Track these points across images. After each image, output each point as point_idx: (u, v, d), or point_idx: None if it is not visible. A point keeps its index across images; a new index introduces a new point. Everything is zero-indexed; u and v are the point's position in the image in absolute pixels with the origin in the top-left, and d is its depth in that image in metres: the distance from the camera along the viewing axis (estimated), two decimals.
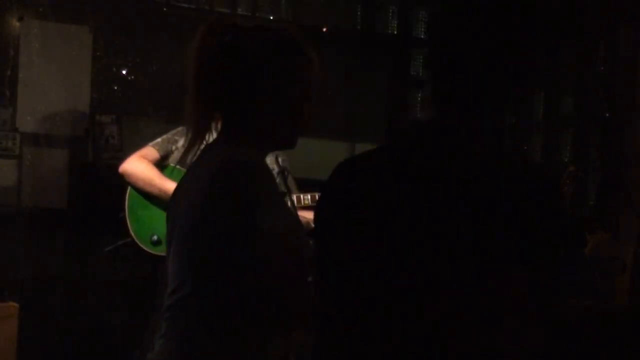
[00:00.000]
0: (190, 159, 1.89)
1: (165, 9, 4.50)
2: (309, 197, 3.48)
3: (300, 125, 1.93)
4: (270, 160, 3.56)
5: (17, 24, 4.18)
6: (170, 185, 3.46)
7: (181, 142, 3.59)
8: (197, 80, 1.81)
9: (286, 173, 3.23)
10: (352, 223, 1.43)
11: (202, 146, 1.90)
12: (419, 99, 5.02)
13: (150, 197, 3.49)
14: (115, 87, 4.41)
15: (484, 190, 1.30)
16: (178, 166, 3.56)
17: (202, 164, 1.83)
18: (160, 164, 3.53)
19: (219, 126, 1.95)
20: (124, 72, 4.42)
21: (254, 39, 1.81)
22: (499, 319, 1.29)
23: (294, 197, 3.23)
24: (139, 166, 3.48)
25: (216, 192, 1.70)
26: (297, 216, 2.27)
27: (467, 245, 1.29)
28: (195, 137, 1.90)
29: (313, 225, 3.18)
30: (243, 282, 1.68)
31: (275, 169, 3.43)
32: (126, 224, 3.46)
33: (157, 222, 3.47)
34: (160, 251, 3.46)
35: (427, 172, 1.36)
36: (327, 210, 1.52)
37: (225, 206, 1.68)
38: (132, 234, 3.45)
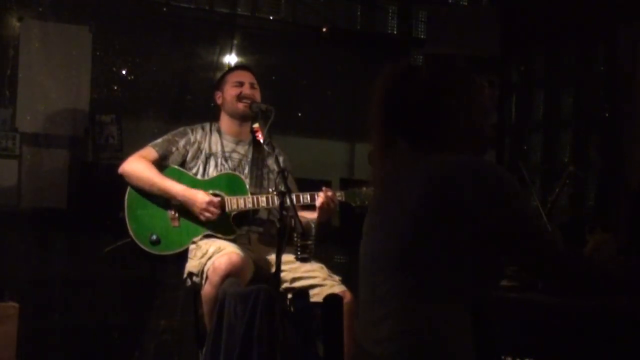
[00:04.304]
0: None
1: (165, 9, 4.51)
2: (309, 196, 3.48)
3: (485, 137, 2.08)
4: (270, 160, 3.57)
5: (17, 24, 4.19)
6: (170, 184, 3.46)
7: (182, 143, 3.59)
8: (384, 112, 2.15)
9: (286, 173, 3.23)
10: None
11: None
12: None
13: (150, 197, 3.49)
14: (115, 87, 4.41)
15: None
16: (178, 167, 3.57)
17: (410, 174, 1.98)
18: (160, 165, 3.53)
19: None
20: (124, 72, 4.42)
21: (435, 76, 2.06)
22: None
23: (294, 197, 3.23)
24: (139, 166, 3.48)
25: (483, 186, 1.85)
26: None
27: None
28: (379, 160, 2.14)
29: (313, 225, 3.17)
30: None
31: (275, 169, 3.43)
32: (125, 224, 3.46)
33: (156, 222, 3.47)
34: (159, 251, 3.46)
35: None
36: None
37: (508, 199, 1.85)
38: (132, 234, 3.45)
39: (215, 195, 3.51)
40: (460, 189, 1.83)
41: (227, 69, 4.52)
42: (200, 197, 3.42)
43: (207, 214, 3.41)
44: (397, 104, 2.08)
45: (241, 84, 3.65)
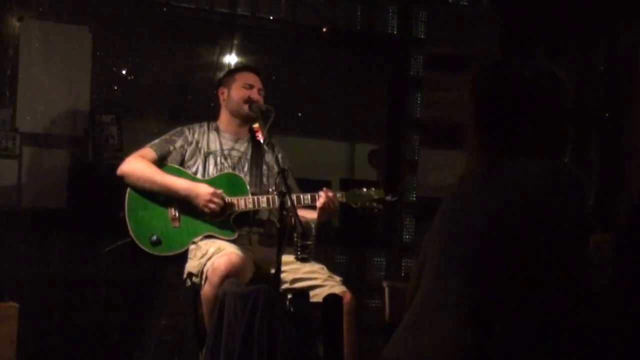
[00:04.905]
0: None
1: (165, 9, 4.50)
2: (309, 196, 3.48)
3: (570, 137, 2.10)
4: (270, 159, 3.57)
5: (17, 24, 4.18)
6: (171, 180, 3.46)
7: (179, 143, 3.59)
8: (476, 112, 2.08)
9: (286, 173, 3.23)
10: None
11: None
12: (419, 99, 5.02)
13: (150, 197, 3.48)
14: (115, 87, 4.41)
15: None
16: (178, 166, 3.56)
17: (508, 173, 1.96)
18: (159, 165, 3.53)
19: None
20: (124, 72, 4.42)
21: (522, 78, 2.05)
22: None
23: (294, 197, 3.23)
24: (138, 165, 3.48)
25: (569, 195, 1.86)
26: None
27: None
28: (476, 160, 2.08)
29: (313, 225, 3.17)
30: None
31: (275, 168, 3.43)
32: (125, 224, 3.46)
33: (156, 223, 3.47)
34: (160, 251, 3.46)
35: None
36: None
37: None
38: (132, 234, 3.45)
39: None
40: (549, 198, 1.84)
41: (227, 68, 4.52)
42: (203, 189, 3.42)
43: (212, 206, 3.40)
44: (489, 105, 2.06)
45: (251, 87, 3.64)
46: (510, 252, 1.84)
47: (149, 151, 3.54)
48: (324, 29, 4.80)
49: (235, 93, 3.64)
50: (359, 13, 5.05)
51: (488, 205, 1.92)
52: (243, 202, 3.47)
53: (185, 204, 3.47)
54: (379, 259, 5.08)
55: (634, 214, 2.06)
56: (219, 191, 3.43)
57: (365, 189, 3.60)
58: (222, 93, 3.70)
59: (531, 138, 1.99)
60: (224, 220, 3.48)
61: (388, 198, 3.63)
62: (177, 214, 3.48)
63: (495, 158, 2.00)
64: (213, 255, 3.26)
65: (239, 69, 4.01)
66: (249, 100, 3.59)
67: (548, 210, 1.83)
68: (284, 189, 3.01)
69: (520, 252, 1.83)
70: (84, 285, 4.26)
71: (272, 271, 3.03)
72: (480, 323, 1.81)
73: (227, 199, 3.48)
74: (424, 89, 4.97)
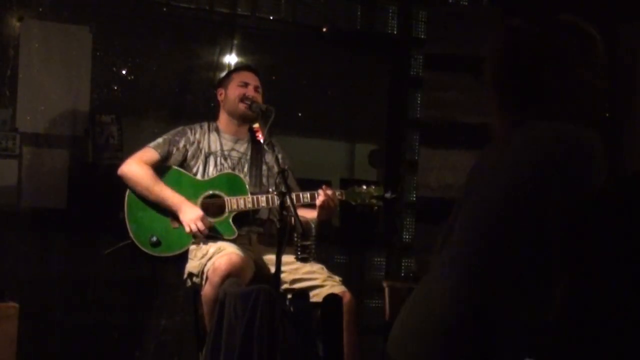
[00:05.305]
0: None
1: (165, 9, 4.50)
2: (309, 195, 3.48)
3: (597, 99, 1.93)
4: (271, 160, 3.57)
5: (17, 24, 4.18)
6: (167, 195, 3.45)
7: (182, 143, 3.59)
8: (494, 75, 1.96)
9: (286, 173, 3.23)
10: None
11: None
12: (419, 99, 5.02)
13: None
14: (115, 87, 4.41)
15: None
16: (178, 169, 3.56)
17: (524, 140, 1.86)
18: (161, 165, 3.53)
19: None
20: (124, 72, 4.42)
21: (552, 38, 1.95)
22: None
23: (294, 196, 3.23)
24: (138, 171, 3.47)
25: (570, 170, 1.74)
26: None
27: None
28: (497, 124, 1.95)
29: (313, 225, 3.17)
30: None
31: (274, 167, 3.43)
32: (125, 225, 3.46)
33: (156, 224, 3.47)
34: (160, 252, 3.46)
35: None
36: None
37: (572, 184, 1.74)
38: (132, 236, 3.45)
39: (215, 195, 3.51)
40: (549, 171, 1.74)
41: (227, 68, 4.53)
42: (192, 212, 3.41)
43: (193, 226, 3.36)
44: (506, 66, 1.95)
45: (246, 85, 3.64)
46: (521, 234, 1.74)
47: (152, 153, 3.53)
48: (324, 29, 4.80)
49: (231, 92, 3.65)
50: (359, 13, 5.05)
51: (499, 178, 1.84)
52: (242, 202, 3.47)
53: None
54: (379, 259, 5.08)
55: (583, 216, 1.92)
56: (205, 219, 3.42)
57: (364, 187, 3.60)
58: (220, 94, 3.71)
59: (554, 99, 1.88)
60: (223, 220, 3.48)
61: (387, 195, 3.63)
62: None
63: (513, 122, 1.90)
64: (213, 255, 3.25)
65: (236, 68, 4.03)
66: (244, 98, 3.59)
67: (547, 186, 1.73)
68: (284, 189, 3.01)
69: (530, 232, 1.73)
70: (84, 285, 4.26)
71: (272, 271, 3.03)
72: (480, 309, 1.76)
73: (227, 199, 3.49)
74: (424, 89, 4.97)
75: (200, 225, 3.36)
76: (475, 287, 1.77)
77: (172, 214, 3.47)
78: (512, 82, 1.93)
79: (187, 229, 3.37)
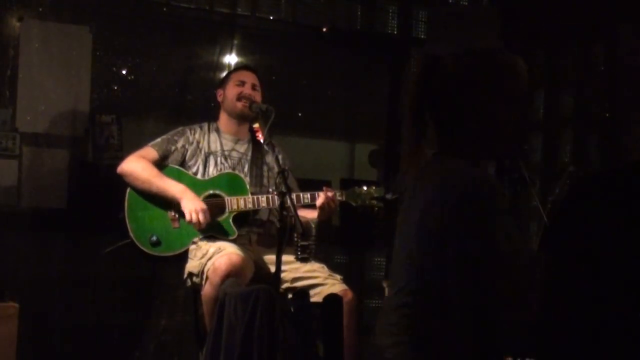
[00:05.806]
0: None
1: (165, 9, 4.50)
2: (309, 195, 3.49)
3: (510, 135, 1.92)
4: (271, 160, 3.57)
5: (17, 24, 4.19)
6: (169, 184, 3.46)
7: (181, 143, 3.59)
8: (415, 107, 1.94)
9: (287, 173, 3.23)
10: None
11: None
12: None
13: (150, 198, 3.48)
14: (115, 87, 4.41)
15: None
16: (178, 167, 3.56)
17: (432, 175, 1.90)
18: (160, 165, 3.53)
19: None
20: (124, 72, 4.42)
21: (464, 67, 1.95)
22: None
23: (294, 196, 3.23)
24: (138, 165, 3.48)
25: (462, 209, 1.75)
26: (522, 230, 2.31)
27: None
28: (411, 155, 1.97)
29: (313, 225, 3.16)
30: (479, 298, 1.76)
31: (275, 168, 3.43)
32: (125, 225, 3.46)
33: (156, 223, 3.47)
34: (160, 252, 3.46)
35: None
36: None
37: (474, 222, 1.75)
38: (132, 235, 3.45)
39: (216, 195, 3.51)
40: (449, 210, 1.76)
41: (227, 68, 4.53)
42: (194, 200, 3.40)
43: (195, 217, 3.35)
44: (424, 97, 1.93)
45: (243, 84, 3.65)
46: (437, 266, 1.79)
47: (150, 151, 3.53)
48: (324, 29, 4.80)
49: (229, 91, 3.65)
50: (359, 13, 5.05)
51: (415, 215, 1.87)
52: (243, 202, 3.47)
53: None
54: (379, 259, 5.08)
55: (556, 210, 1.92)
56: (207, 214, 3.41)
57: (365, 187, 3.60)
58: (220, 94, 3.72)
59: (467, 133, 1.88)
60: (223, 220, 3.48)
61: (388, 196, 3.63)
62: (176, 215, 3.48)
63: (427, 158, 1.92)
64: (213, 255, 3.25)
65: (235, 69, 4.03)
66: (241, 96, 3.60)
67: (451, 228, 1.75)
68: (284, 189, 3.01)
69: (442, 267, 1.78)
70: (84, 285, 4.26)
71: (272, 271, 3.03)
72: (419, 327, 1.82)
73: (227, 198, 3.48)
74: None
75: (202, 217, 3.35)
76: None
77: (172, 212, 3.47)
78: (425, 114, 1.93)
79: (188, 217, 3.36)
